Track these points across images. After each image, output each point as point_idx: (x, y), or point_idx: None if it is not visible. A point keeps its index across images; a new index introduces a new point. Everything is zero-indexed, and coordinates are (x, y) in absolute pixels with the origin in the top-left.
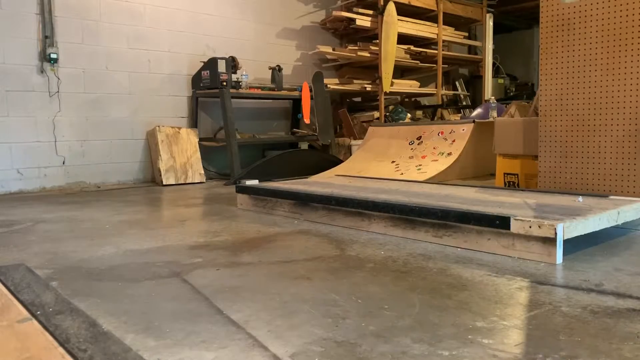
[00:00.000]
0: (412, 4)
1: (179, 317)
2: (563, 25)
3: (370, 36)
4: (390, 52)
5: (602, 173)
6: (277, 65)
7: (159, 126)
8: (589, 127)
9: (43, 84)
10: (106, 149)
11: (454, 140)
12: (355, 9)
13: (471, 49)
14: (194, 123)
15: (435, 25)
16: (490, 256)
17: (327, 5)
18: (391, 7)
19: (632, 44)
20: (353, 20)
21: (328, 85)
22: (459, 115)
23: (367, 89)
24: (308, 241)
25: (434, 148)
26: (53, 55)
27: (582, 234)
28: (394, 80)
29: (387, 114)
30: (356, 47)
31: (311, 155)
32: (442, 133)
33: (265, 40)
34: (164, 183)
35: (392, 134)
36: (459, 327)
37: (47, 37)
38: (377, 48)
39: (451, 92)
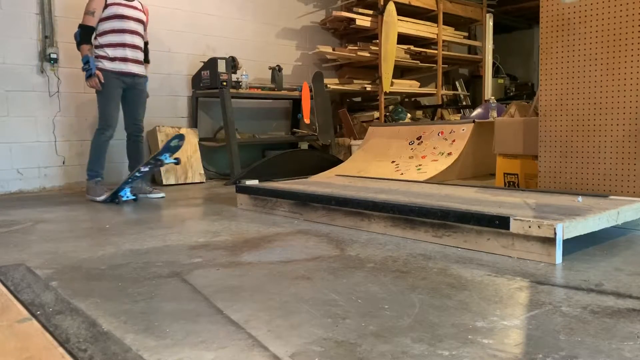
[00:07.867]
0: (412, 4)
1: (179, 317)
2: (563, 25)
3: (370, 36)
4: (390, 52)
5: (602, 173)
6: (277, 65)
7: (158, 126)
8: (589, 127)
9: (43, 84)
10: None
11: (454, 140)
12: (355, 9)
13: (471, 49)
14: (194, 123)
15: (435, 25)
16: (490, 256)
17: (327, 5)
18: (391, 7)
19: (632, 44)
20: (353, 20)
21: (328, 85)
22: (459, 115)
23: (367, 89)
24: (308, 241)
25: (434, 148)
26: (53, 55)
27: (582, 234)
28: (394, 80)
29: (387, 114)
30: (356, 47)
31: (311, 155)
32: (442, 133)
33: (265, 40)
34: (164, 183)
35: (392, 134)
36: (459, 327)
37: (47, 37)
38: (377, 48)
39: (451, 92)
